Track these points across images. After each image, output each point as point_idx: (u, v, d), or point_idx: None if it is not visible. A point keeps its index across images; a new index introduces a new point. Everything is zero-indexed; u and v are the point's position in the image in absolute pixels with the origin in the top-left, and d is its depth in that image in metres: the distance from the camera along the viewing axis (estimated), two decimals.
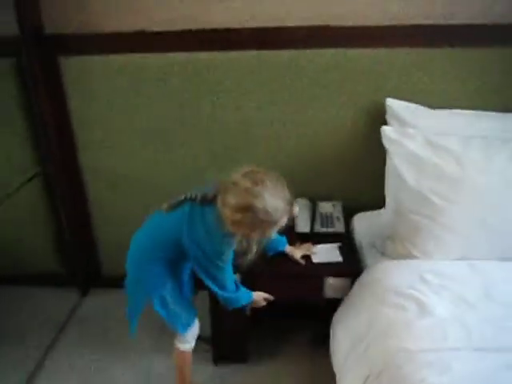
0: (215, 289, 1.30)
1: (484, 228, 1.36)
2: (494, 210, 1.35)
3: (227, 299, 1.34)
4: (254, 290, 1.45)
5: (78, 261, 2.07)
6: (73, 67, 1.76)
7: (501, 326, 1.10)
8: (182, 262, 1.37)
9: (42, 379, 1.71)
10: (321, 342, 1.59)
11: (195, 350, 1.74)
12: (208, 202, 1.21)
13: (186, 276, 1.45)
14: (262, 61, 1.69)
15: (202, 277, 1.29)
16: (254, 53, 1.68)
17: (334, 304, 1.52)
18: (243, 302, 1.38)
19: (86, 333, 1.93)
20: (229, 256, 1.28)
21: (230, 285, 1.33)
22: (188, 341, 1.49)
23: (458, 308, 1.17)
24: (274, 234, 1.23)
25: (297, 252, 1.57)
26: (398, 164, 1.45)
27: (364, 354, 1.18)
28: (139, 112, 1.81)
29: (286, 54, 1.67)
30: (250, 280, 1.51)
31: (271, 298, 1.48)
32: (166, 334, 1.69)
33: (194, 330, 1.49)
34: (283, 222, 1.18)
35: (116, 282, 2.11)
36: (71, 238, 2.01)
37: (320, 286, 1.53)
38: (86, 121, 1.84)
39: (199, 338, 1.78)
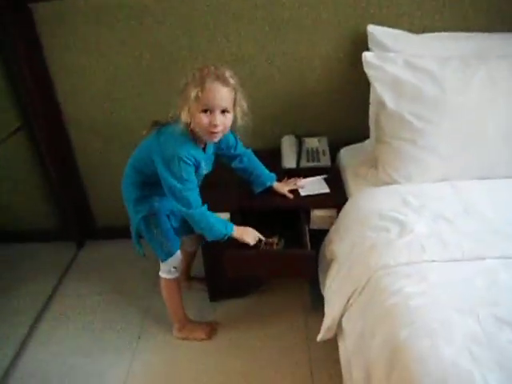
0: (182, 208, 1.32)
1: (464, 148, 1.37)
2: (472, 129, 1.35)
3: (195, 218, 1.33)
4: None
5: (71, 213, 2.10)
6: (45, 13, 1.71)
7: (477, 239, 1.13)
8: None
9: (44, 326, 1.79)
10: None
11: (191, 289, 1.83)
12: (173, 120, 1.30)
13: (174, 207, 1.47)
14: None
15: (169, 195, 1.32)
16: None
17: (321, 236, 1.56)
18: (219, 229, 1.35)
19: (84, 282, 1.99)
20: (192, 173, 1.31)
21: (195, 200, 1.32)
22: (171, 271, 1.54)
23: (437, 224, 1.19)
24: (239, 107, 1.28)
25: (284, 187, 1.59)
26: (378, 89, 1.44)
27: (348, 274, 1.22)
28: (116, 55, 1.77)
29: None
30: (239, 216, 1.55)
31: (261, 237, 1.45)
32: None
33: (176, 260, 1.53)
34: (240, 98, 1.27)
35: (112, 233, 2.18)
36: (61, 190, 2.03)
37: (307, 218, 1.56)
38: (64, 69, 1.81)
39: (193, 278, 1.85)
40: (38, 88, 1.81)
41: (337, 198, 1.55)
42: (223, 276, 1.68)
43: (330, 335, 1.28)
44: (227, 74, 1.23)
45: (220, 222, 1.37)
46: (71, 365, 1.60)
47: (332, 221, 1.53)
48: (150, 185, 1.40)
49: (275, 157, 1.79)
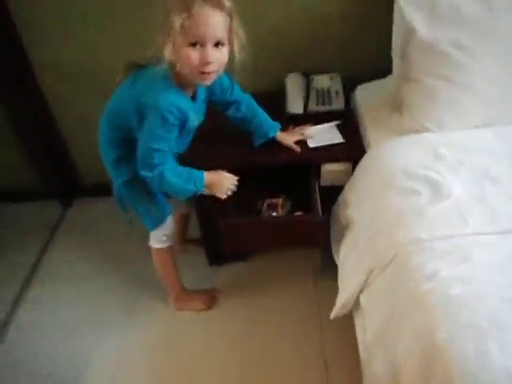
0: (141, 171, 1.09)
1: None
2: None
3: (154, 181, 1.10)
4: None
5: (51, 170, 1.89)
6: None
7: None
8: None
9: (36, 285, 1.66)
10: None
11: (187, 253, 1.66)
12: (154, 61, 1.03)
13: None
14: None
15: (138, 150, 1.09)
16: None
17: (334, 193, 1.34)
18: (185, 188, 1.13)
19: (74, 242, 1.82)
20: (172, 131, 1.06)
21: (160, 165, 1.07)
22: (161, 239, 1.35)
23: (480, 186, 0.96)
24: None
25: (289, 138, 1.34)
26: (406, 10, 1.14)
27: (368, 247, 1.02)
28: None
29: None
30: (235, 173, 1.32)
31: (235, 179, 1.21)
32: None
33: (167, 228, 1.33)
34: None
35: (101, 190, 1.96)
36: (37, 145, 1.80)
37: (317, 174, 1.33)
38: (26, 5, 1.50)
39: (187, 241, 1.66)
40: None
41: (352, 149, 1.31)
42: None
43: (345, 311, 1.11)
44: None
45: (185, 179, 1.13)
46: (58, 344, 1.47)
47: (347, 176, 1.30)
48: (131, 141, 1.16)
49: (278, 100, 1.51)
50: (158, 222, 1.29)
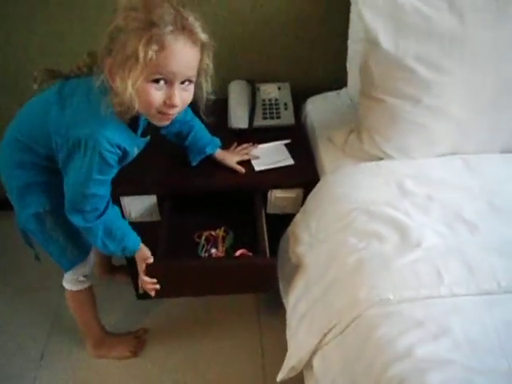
0: (71, 215, 0.89)
1: (486, 108, 0.96)
2: (502, 82, 0.94)
3: (92, 231, 0.91)
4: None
5: None
6: None
7: None
8: None
9: None
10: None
11: (112, 283, 1.42)
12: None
13: None
14: None
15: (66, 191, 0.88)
16: None
17: (280, 220, 1.16)
18: (114, 248, 0.94)
19: None
20: (109, 172, 0.86)
21: (95, 211, 0.88)
22: (79, 280, 1.11)
23: (454, 231, 0.82)
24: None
25: (231, 157, 1.14)
26: (367, 17, 0.96)
27: (323, 300, 0.84)
28: None
29: None
30: (170, 200, 1.11)
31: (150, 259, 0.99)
32: None
33: (87, 267, 1.11)
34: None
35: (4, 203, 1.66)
36: None
37: (264, 201, 1.15)
38: None
39: (113, 269, 1.44)
40: None
41: (304, 172, 1.13)
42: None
43: (294, 374, 0.93)
44: (194, 22, 0.76)
45: (116, 241, 0.93)
46: None
47: (297, 204, 1.13)
48: (47, 167, 0.92)
49: (219, 111, 1.31)
50: (77, 261, 1.06)
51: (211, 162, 1.15)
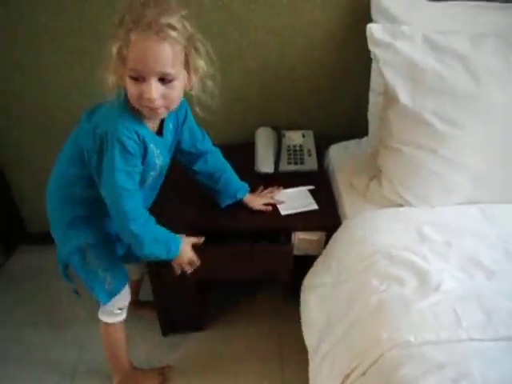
0: (116, 220, 0.97)
1: (501, 160, 1.02)
2: None
3: (132, 235, 0.95)
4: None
5: None
6: None
7: None
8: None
9: None
10: (290, 292, 1.29)
11: (139, 318, 1.47)
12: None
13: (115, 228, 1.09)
14: None
15: (106, 201, 0.95)
16: None
17: (304, 261, 1.21)
18: (162, 246, 1.00)
19: (12, 295, 1.60)
20: (134, 163, 0.91)
21: (133, 212, 0.94)
22: (115, 313, 1.16)
23: (472, 277, 0.86)
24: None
25: (258, 200, 1.21)
26: (387, 75, 1.05)
27: (344, 341, 0.88)
28: (40, 13, 1.30)
29: None
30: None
31: (201, 240, 1.11)
32: None
33: (123, 300, 1.16)
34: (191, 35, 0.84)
35: (45, 238, 1.76)
36: None
37: (289, 243, 1.20)
38: None
39: (139, 304, 1.49)
40: None
41: (326, 216, 1.19)
42: (177, 303, 1.35)
43: None
44: (168, 18, 0.78)
45: (161, 243, 1.00)
46: None
47: (320, 246, 1.18)
48: (91, 199, 0.99)
49: (247, 156, 1.40)
50: (114, 293, 1.11)
51: (237, 203, 1.22)
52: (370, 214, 1.07)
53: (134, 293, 1.43)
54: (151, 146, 0.93)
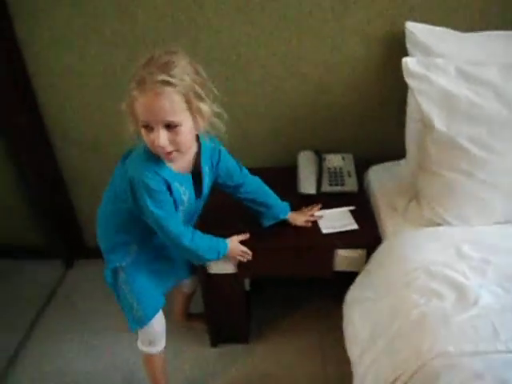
0: (167, 241, 1.08)
1: None
2: None
3: (185, 249, 1.08)
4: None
5: (57, 230, 1.84)
6: (22, 5, 1.40)
7: None
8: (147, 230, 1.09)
9: (27, 354, 1.57)
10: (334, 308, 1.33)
11: (188, 329, 1.56)
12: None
13: (153, 252, 1.19)
14: None
15: (153, 227, 1.06)
16: None
17: (345, 277, 1.28)
18: (213, 250, 1.14)
19: (72, 308, 1.73)
20: (163, 197, 1.02)
21: (178, 230, 1.06)
22: (150, 340, 1.21)
23: (509, 293, 0.91)
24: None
25: (300, 218, 1.31)
26: (423, 104, 1.13)
27: (387, 351, 0.94)
28: (107, 52, 1.46)
29: None
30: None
31: (246, 236, 1.24)
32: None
33: (150, 334, 1.19)
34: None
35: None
36: (46, 205, 1.77)
37: (330, 259, 1.28)
38: (45, 71, 1.51)
39: (190, 316, 1.57)
40: (16, 93, 1.53)
41: (367, 235, 1.27)
42: (227, 315, 1.44)
43: None
44: (163, 75, 0.87)
45: (213, 246, 1.15)
46: None
47: (361, 263, 1.26)
48: (131, 227, 1.12)
49: (290, 177, 1.50)
50: (140, 323, 1.17)
51: (281, 223, 1.31)
52: (409, 233, 1.14)
53: (186, 305, 1.54)
54: (175, 185, 1.03)
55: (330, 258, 1.27)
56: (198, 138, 1.06)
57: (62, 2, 1.38)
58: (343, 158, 1.52)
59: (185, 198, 1.07)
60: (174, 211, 1.05)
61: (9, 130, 1.61)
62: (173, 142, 0.92)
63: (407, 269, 1.03)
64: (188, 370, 1.46)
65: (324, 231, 1.28)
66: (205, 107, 0.94)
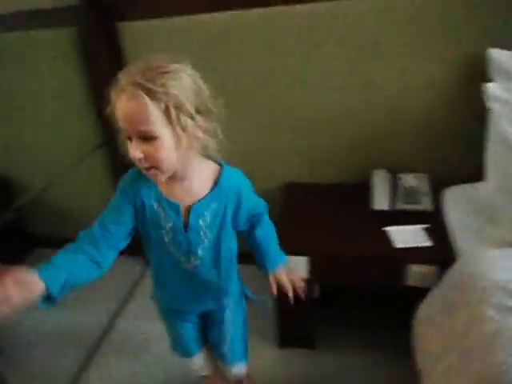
0: None
1: None
2: None
3: None
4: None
5: None
6: (131, 32, 1.65)
7: None
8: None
9: (107, 347, 1.72)
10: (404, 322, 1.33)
11: (257, 327, 1.60)
12: None
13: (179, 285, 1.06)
14: (321, 12, 1.45)
15: None
16: (312, 5, 1.45)
17: (416, 293, 1.31)
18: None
19: (145, 315, 1.84)
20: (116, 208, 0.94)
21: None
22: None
23: None
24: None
25: (284, 276, 1.10)
26: (505, 128, 1.17)
27: (460, 363, 0.97)
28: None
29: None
30: (318, 261, 1.36)
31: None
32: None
33: (191, 363, 1.25)
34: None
35: None
36: None
37: (402, 273, 1.33)
38: None
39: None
40: None
41: (440, 252, 1.30)
42: (296, 317, 1.51)
43: None
44: (143, 79, 0.76)
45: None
46: None
47: (433, 279, 1.28)
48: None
49: (361, 194, 1.57)
50: (173, 348, 1.24)
51: (357, 229, 1.40)
52: (485, 252, 1.16)
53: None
54: (153, 203, 0.92)
55: (403, 271, 1.32)
56: (220, 171, 0.94)
57: (164, 36, 1.59)
58: (418, 178, 1.56)
59: (167, 224, 0.93)
60: (111, 209, 0.94)
61: (111, 138, 1.82)
62: (149, 156, 0.81)
63: (483, 286, 1.05)
64: (253, 367, 1.53)
65: (397, 245, 1.33)
66: (188, 122, 0.80)
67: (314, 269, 1.37)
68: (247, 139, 1.74)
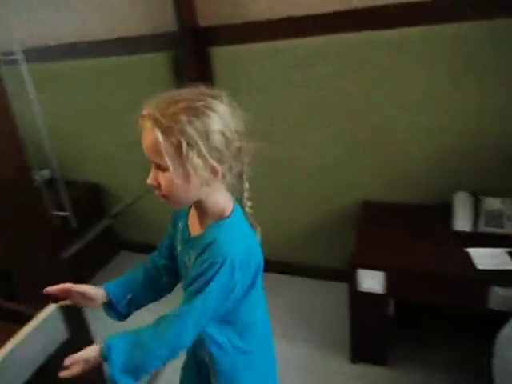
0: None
1: None
2: None
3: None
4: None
5: None
6: (221, 56, 1.80)
7: None
8: None
9: None
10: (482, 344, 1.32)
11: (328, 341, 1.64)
12: None
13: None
14: (411, 38, 1.51)
15: None
16: (401, 31, 1.51)
17: (496, 316, 1.29)
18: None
19: None
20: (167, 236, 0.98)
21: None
22: None
23: None
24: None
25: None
26: None
27: None
28: (282, 100, 1.77)
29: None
30: (396, 276, 1.38)
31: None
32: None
33: None
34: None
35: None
36: None
37: (484, 295, 1.32)
38: None
39: None
40: None
41: None
42: (370, 332, 1.54)
43: None
44: (160, 113, 0.75)
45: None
46: None
47: None
48: None
49: (442, 216, 1.57)
50: None
51: (437, 248, 1.40)
52: None
53: None
54: (180, 225, 0.93)
55: (485, 293, 1.31)
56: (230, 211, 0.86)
57: (254, 60, 1.73)
58: (502, 202, 1.54)
59: (178, 247, 0.93)
60: (165, 235, 0.99)
61: None
62: (160, 185, 0.80)
63: None
64: (323, 379, 1.57)
65: (479, 267, 1.33)
66: (198, 162, 0.76)
67: (390, 283, 1.39)
68: (335, 155, 1.81)
